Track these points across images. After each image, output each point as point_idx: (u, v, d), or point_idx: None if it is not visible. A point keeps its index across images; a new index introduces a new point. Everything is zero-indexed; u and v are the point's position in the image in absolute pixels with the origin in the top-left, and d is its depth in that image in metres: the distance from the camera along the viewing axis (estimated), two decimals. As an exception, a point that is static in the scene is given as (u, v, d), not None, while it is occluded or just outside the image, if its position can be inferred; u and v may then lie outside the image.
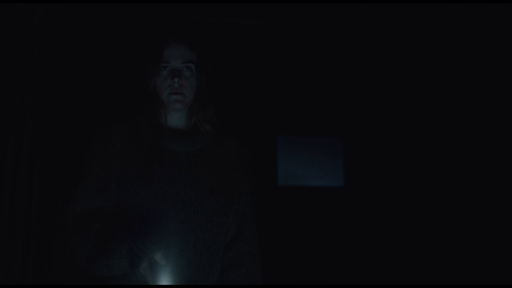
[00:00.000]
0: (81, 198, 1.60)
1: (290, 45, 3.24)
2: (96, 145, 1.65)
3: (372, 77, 3.26)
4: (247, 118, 3.20)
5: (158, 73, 1.64)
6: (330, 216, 3.29)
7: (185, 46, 1.66)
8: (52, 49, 2.64)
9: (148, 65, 1.66)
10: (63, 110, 2.66)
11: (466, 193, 2.93)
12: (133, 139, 1.64)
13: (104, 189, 1.59)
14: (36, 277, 2.50)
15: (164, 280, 1.47)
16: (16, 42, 2.54)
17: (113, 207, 1.59)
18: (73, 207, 1.59)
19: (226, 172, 1.69)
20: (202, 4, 2.92)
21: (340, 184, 3.36)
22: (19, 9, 2.54)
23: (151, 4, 2.83)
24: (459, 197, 2.95)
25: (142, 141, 1.64)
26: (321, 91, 3.32)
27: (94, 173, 1.61)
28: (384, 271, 3.13)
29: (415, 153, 3.15)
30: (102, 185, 1.59)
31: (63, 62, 2.68)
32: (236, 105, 3.16)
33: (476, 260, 2.81)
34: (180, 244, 1.54)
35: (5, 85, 2.54)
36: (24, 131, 2.54)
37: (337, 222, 3.28)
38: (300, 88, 3.30)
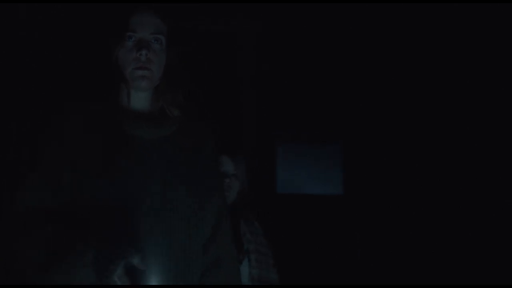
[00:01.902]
0: (28, 193, 1.33)
1: (289, 52, 3.22)
2: (46, 131, 1.40)
3: (371, 84, 3.25)
4: (246, 125, 3.20)
5: (123, 43, 1.37)
6: (329, 224, 3.28)
7: (156, 16, 1.41)
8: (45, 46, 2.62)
9: (111, 33, 1.40)
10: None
11: (465, 199, 2.92)
12: (90, 123, 1.38)
13: (55, 183, 1.33)
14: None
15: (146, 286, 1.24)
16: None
17: (67, 204, 1.32)
18: (16, 204, 1.32)
19: (199, 162, 1.45)
20: (199, 5, 2.91)
21: (339, 192, 3.34)
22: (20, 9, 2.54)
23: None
24: (458, 204, 2.94)
25: (101, 125, 1.38)
26: (320, 98, 3.31)
27: (44, 163, 1.35)
28: (381, 277, 3.12)
29: (414, 161, 3.14)
30: (51, 180, 1.33)
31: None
32: (235, 112, 3.16)
33: (474, 264, 2.80)
34: (151, 250, 1.30)
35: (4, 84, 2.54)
36: (24, 131, 2.54)
37: (336, 229, 3.28)
38: (299, 96, 3.29)
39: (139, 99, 1.43)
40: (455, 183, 2.97)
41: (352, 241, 3.25)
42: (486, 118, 2.89)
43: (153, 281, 1.29)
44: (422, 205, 3.08)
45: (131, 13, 1.39)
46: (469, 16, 2.84)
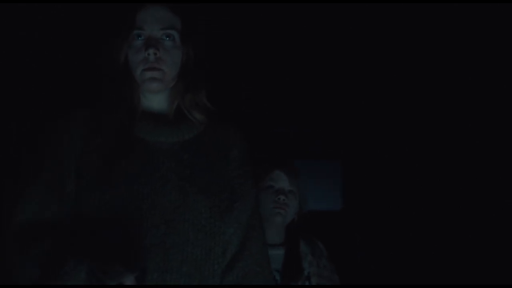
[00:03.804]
0: (27, 204, 1.22)
1: (290, 68, 3.22)
2: (50, 137, 1.29)
3: (371, 103, 3.25)
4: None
5: (131, 43, 1.26)
6: (328, 239, 3.30)
7: (165, 8, 1.27)
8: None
9: (117, 32, 1.28)
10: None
11: (464, 215, 2.91)
12: (98, 127, 1.27)
13: (58, 194, 1.23)
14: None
15: None
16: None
17: (69, 217, 1.23)
18: (15, 216, 1.21)
19: (223, 169, 1.32)
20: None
21: (338, 207, 3.35)
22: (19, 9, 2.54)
23: None
24: (459, 222, 2.94)
25: (110, 130, 1.26)
26: (320, 114, 3.32)
27: (46, 172, 1.25)
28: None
29: (413, 178, 3.15)
30: (55, 189, 1.23)
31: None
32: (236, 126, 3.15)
33: (474, 273, 2.79)
34: (160, 265, 1.18)
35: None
36: (24, 131, 2.54)
37: (335, 245, 3.29)
38: (299, 111, 3.30)
39: (152, 101, 1.33)
40: (454, 197, 2.96)
41: (351, 256, 3.26)
42: (486, 124, 2.88)
43: None
44: (422, 220, 3.08)
45: (137, 8, 1.26)
46: (469, 16, 2.83)
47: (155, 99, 1.33)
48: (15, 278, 1.16)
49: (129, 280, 1.07)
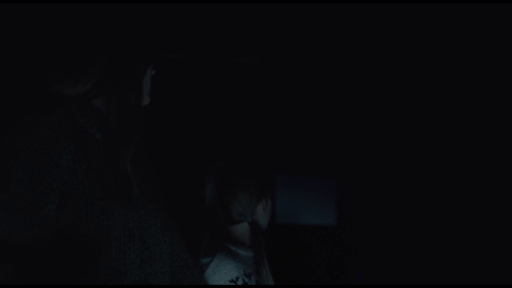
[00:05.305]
0: None
1: (290, 89, 3.23)
2: (21, 143, 1.05)
3: (367, 118, 3.26)
4: (246, 157, 3.21)
5: (146, 70, 1.33)
6: (325, 254, 3.32)
7: None
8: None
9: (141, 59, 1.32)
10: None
11: (463, 220, 2.91)
12: (80, 138, 1.15)
13: (34, 212, 0.99)
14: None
15: None
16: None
17: (42, 239, 1.00)
18: None
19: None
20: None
21: (334, 223, 3.38)
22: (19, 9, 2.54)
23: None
24: (457, 227, 2.93)
25: (92, 139, 1.18)
26: (317, 131, 3.35)
27: (20, 183, 1.00)
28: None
29: (409, 194, 3.15)
30: (25, 206, 0.99)
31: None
32: (236, 145, 3.17)
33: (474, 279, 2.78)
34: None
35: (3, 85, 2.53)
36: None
37: (332, 261, 3.31)
38: (297, 128, 3.33)
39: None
40: (451, 206, 2.96)
41: (349, 273, 3.27)
42: (485, 136, 2.87)
43: None
44: (418, 235, 3.08)
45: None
46: (469, 17, 2.82)
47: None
48: None
49: None
